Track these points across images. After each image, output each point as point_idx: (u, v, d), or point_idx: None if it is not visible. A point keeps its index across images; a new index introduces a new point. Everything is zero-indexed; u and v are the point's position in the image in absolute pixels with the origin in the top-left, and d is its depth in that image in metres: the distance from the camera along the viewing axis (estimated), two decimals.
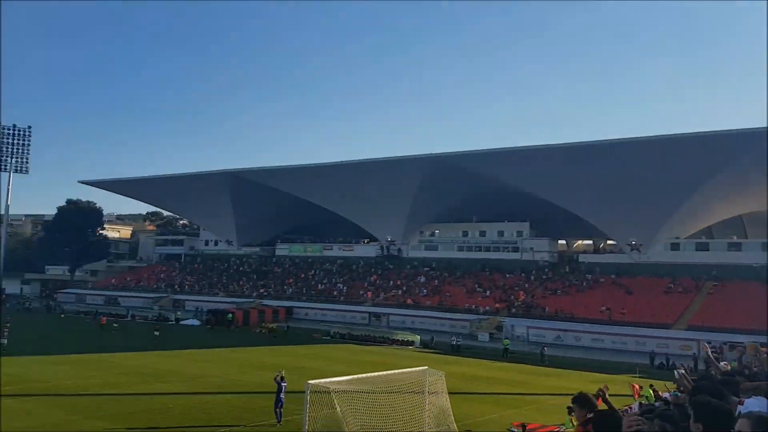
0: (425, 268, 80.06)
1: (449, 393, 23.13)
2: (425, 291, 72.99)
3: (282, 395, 22.94)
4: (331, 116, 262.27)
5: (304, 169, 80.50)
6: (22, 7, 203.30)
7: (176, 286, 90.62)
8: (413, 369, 23.74)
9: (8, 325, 42.21)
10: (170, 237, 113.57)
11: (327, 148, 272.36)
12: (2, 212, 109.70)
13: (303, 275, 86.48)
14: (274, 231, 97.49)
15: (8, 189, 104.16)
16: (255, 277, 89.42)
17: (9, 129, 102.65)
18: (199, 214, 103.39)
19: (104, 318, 61.22)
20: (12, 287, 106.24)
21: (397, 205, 77.51)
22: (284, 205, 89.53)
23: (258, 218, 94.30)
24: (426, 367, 23.37)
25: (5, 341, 39.68)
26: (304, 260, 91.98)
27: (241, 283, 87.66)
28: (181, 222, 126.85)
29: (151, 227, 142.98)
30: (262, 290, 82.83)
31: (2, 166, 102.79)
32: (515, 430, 22.24)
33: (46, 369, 33.63)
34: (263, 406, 25.14)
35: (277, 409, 22.82)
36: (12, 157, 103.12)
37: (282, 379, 23.45)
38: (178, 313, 74.21)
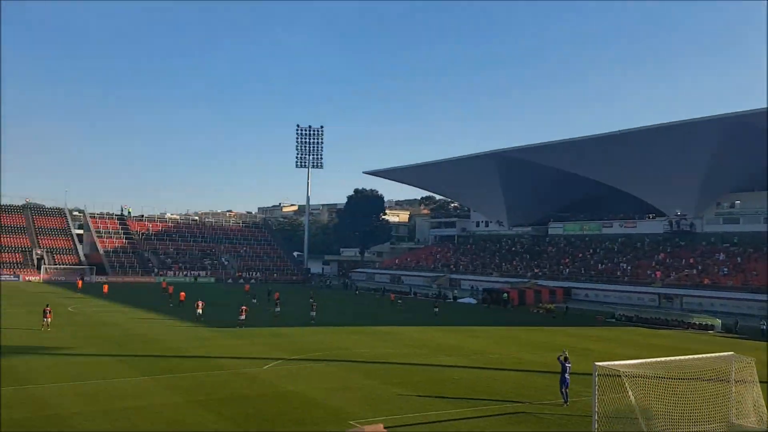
0: (725, 244, 70.18)
1: (762, 383, 19.77)
2: (726, 270, 63.93)
3: (567, 375, 21.86)
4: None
5: (575, 143, 76.47)
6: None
7: (452, 266, 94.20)
8: (715, 354, 20.55)
9: (314, 302, 48.12)
10: (443, 219, 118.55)
11: (585, 118, 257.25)
12: (304, 203, 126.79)
13: (580, 255, 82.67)
14: (545, 210, 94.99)
15: (308, 183, 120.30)
16: (528, 257, 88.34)
17: (305, 129, 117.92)
18: (469, 197, 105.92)
19: (392, 295, 66.30)
20: (315, 267, 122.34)
21: (687, 175, 69.11)
22: (555, 183, 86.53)
23: (528, 197, 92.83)
24: (732, 353, 20.06)
25: (314, 314, 45.35)
26: (580, 239, 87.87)
27: (514, 263, 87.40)
28: (453, 205, 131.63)
29: (425, 211, 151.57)
30: (536, 270, 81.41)
31: (302, 163, 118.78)
32: None
33: (346, 338, 37.38)
34: (546, 385, 24.45)
35: (563, 389, 21.80)
36: (309, 155, 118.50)
37: (566, 359, 22.32)
38: (455, 291, 76.93)
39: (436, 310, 54.09)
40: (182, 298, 53.30)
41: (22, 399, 20.02)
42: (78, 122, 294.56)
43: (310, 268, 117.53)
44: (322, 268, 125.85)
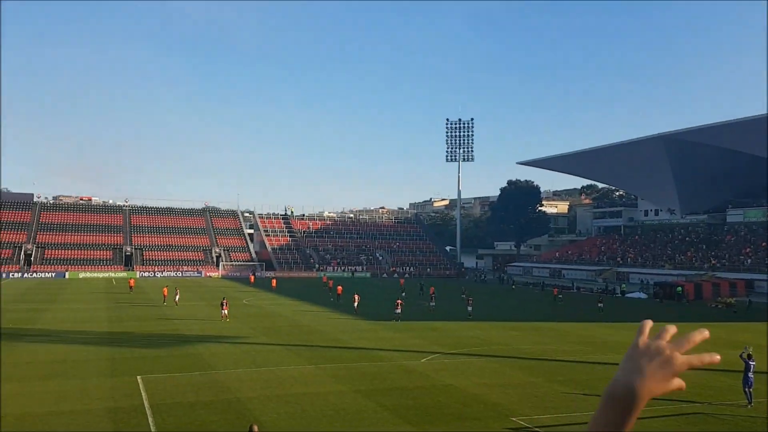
0: None
1: None
2: None
3: (750, 374, 19.60)
4: None
5: (756, 122, 68.08)
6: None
7: (618, 259, 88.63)
8: None
9: (469, 297, 46.89)
10: (607, 209, 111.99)
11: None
12: (456, 197, 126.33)
13: (763, 243, 73.73)
14: (722, 195, 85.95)
15: (458, 176, 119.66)
16: (704, 247, 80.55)
17: (455, 123, 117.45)
18: (635, 184, 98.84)
19: (555, 289, 63.78)
20: (468, 262, 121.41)
21: None
22: (733, 166, 77.99)
23: (702, 182, 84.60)
24: None
25: (471, 308, 44.53)
26: (764, 226, 78.37)
27: (688, 254, 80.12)
28: (618, 193, 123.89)
29: (587, 201, 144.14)
30: (713, 261, 73.96)
31: (452, 157, 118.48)
32: None
33: (504, 334, 36.46)
34: (728, 385, 22.20)
35: (746, 389, 19.61)
36: (460, 148, 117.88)
37: (749, 357, 19.99)
38: (623, 285, 72.18)
39: (601, 305, 50.96)
40: (339, 291, 55.48)
41: (208, 383, 21.88)
42: (245, 133, 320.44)
43: (463, 263, 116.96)
44: (476, 263, 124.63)
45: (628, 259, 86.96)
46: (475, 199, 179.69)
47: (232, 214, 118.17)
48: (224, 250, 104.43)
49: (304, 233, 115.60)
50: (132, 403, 19.09)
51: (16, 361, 25.38)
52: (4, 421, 16.85)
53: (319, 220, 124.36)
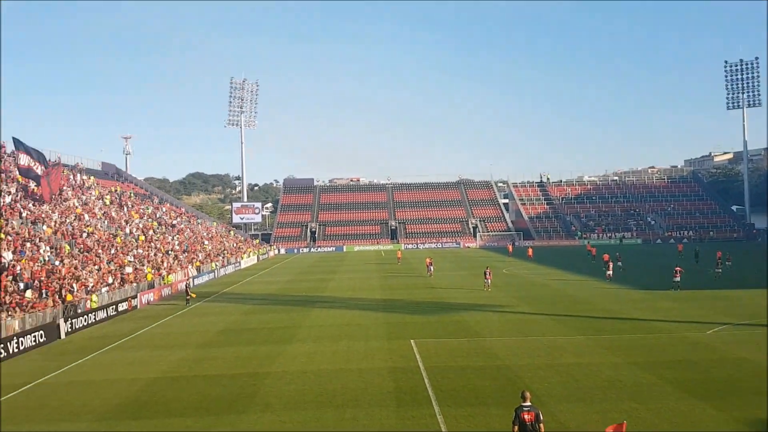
0: None
1: None
2: None
3: None
4: None
5: None
6: None
7: None
8: None
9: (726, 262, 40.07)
10: None
11: None
12: (741, 149, 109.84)
13: None
14: None
15: (743, 125, 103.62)
16: None
17: (737, 65, 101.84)
18: None
19: None
20: (760, 222, 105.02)
21: None
22: None
23: None
24: None
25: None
26: None
27: None
28: None
29: None
30: None
31: (735, 104, 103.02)
32: None
33: None
34: None
35: None
36: (743, 93, 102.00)
37: None
38: None
39: None
40: (606, 259, 52.31)
41: (476, 349, 22.41)
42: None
43: (754, 224, 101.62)
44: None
45: None
46: (765, 150, 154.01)
47: (486, 185, 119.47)
48: (480, 221, 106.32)
49: (562, 200, 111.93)
50: (408, 364, 20.42)
51: (311, 324, 29.05)
52: (307, 377, 19.34)
53: (579, 185, 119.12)
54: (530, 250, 71.01)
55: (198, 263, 55.28)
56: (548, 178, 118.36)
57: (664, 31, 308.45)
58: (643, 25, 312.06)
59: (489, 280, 40.11)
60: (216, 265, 58.88)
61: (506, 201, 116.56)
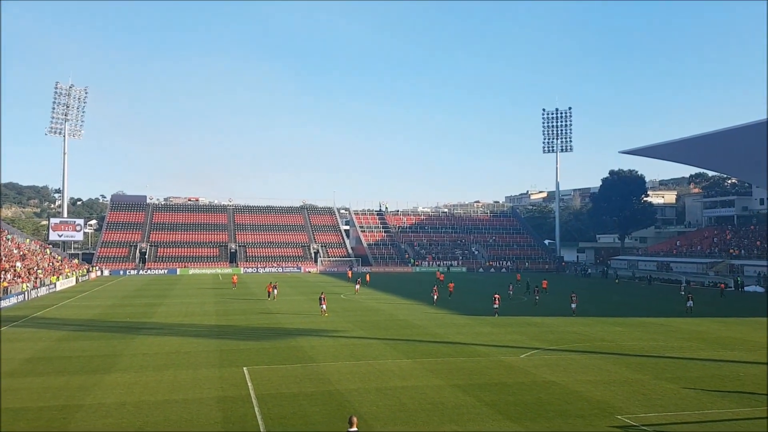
0: None
1: None
2: None
3: None
4: None
5: None
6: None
7: (732, 250, 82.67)
8: None
9: (574, 295, 44.08)
10: (719, 198, 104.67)
11: None
12: (554, 189, 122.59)
13: None
14: None
15: (557, 167, 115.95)
16: None
17: (552, 113, 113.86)
18: (749, 171, 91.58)
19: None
20: (569, 255, 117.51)
21: None
22: None
23: None
24: None
25: (574, 306, 42.17)
26: None
27: None
28: (729, 181, 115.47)
29: (696, 190, 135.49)
30: None
31: (550, 148, 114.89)
32: None
33: (609, 329, 34.93)
34: None
35: None
36: (557, 139, 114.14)
37: None
38: (738, 278, 67.29)
39: (690, 304, 45.00)
40: (451, 288, 55.07)
41: (309, 375, 22.49)
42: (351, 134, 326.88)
43: (563, 256, 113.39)
44: (577, 256, 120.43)
45: (742, 251, 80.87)
46: (574, 190, 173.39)
47: (329, 211, 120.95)
48: (322, 246, 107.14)
49: (398, 228, 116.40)
50: (239, 393, 19.94)
51: (134, 352, 27.23)
52: (125, 409, 18.10)
53: (414, 215, 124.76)
54: (368, 276, 72.84)
55: (5, 283, 49.52)
56: (386, 207, 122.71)
57: (482, 82, 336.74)
58: (466, 80, 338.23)
59: (324, 306, 40.51)
60: (27, 287, 53.12)
61: (347, 228, 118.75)
